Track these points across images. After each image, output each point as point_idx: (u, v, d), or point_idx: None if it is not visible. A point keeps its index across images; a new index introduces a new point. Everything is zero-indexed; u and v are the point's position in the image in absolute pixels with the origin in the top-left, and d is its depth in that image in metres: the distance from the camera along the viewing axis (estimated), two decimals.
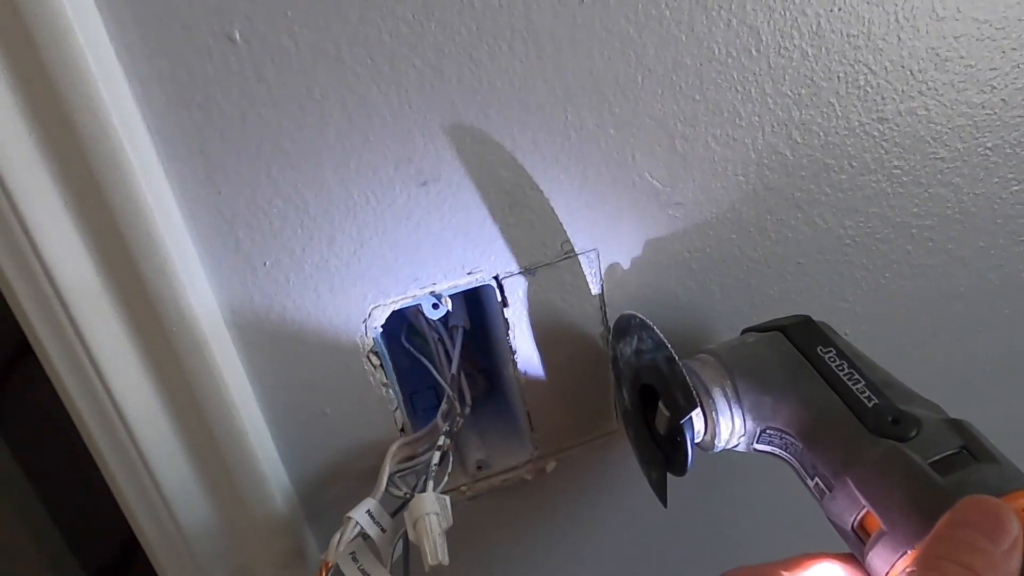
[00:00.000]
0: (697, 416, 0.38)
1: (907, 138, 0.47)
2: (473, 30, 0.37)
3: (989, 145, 0.50)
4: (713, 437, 0.38)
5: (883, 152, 0.47)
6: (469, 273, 0.43)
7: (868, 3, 0.43)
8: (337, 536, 0.37)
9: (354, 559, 0.39)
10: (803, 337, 0.39)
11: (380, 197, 0.39)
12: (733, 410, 0.38)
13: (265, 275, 0.39)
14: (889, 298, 0.53)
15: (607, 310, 0.46)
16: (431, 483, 0.40)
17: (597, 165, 0.42)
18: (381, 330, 0.43)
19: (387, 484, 0.42)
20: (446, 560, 0.36)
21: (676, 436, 0.38)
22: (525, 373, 0.46)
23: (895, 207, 0.49)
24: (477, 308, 0.50)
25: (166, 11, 0.32)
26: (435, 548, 0.36)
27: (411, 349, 0.49)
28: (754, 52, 0.42)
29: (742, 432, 0.38)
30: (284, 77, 0.35)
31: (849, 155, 0.47)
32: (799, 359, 0.37)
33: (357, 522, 0.38)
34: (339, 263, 0.40)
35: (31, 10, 0.28)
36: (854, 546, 0.32)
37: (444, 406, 0.46)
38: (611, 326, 0.44)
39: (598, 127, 0.41)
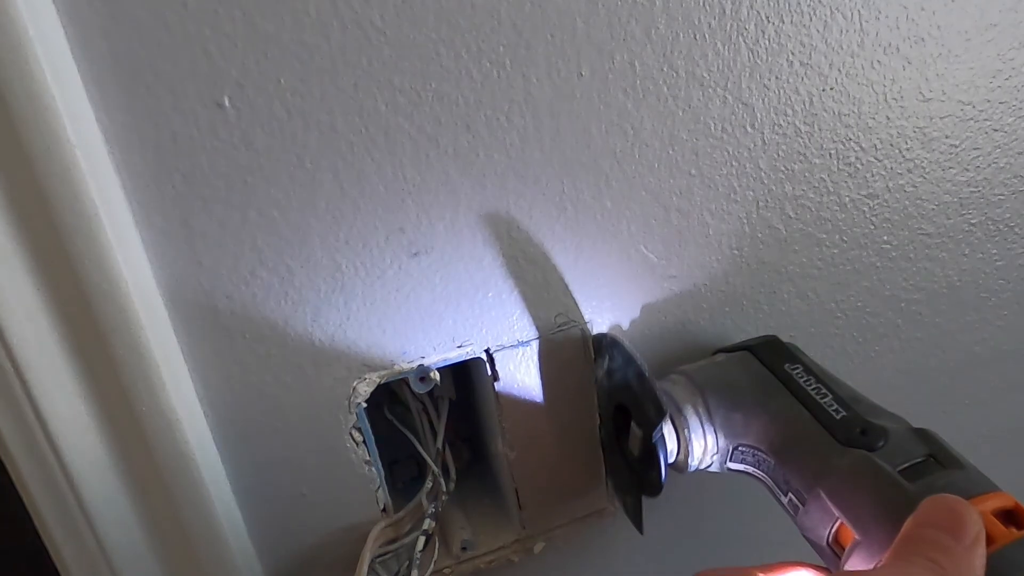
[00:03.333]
0: (669, 433, 0.38)
1: (896, 214, 0.48)
2: (471, 101, 0.36)
3: (973, 221, 0.50)
4: (686, 456, 0.38)
5: (873, 228, 0.48)
6: (459, 346, 0.41)
7: (858, 83, 0.43)
8: None
9: None
10: (771, 355, 0.40)
11: (370, 268, 0.38)
12: (705, 428, 0.38)
13: (245, 348, 0.37)
14: (879, 371, 0.52)
15: (600, 383, 0.44)
16: (415, 571, 0.38)
17: (593, 237, 0.41)
18: (365, 405, 0.40)
19: (368, 571, 0.39)
20: None
21: (649, 453, 0.38)
22: (514, 449, 0.44)
23: (885, 281, 0.49)
24: (464, 376, 0.48)
25: (153, 76, 0.31)
26: None
27: (394, 421, 0.47)
28: (749, 128, 0.42)
29: (715, 450, 0.38)
30: (274, 145, 0.34)
31: (840, 230, 0.47)
32: (767, 376, 0.38)
33: None
34: (324, 336, 0.38)
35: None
36: (830, 562, 0.32)
37: (428, 483, 0.44)
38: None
39: (595, 200, 0.40)
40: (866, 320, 0.50)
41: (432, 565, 0.40)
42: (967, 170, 0.48)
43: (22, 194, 0.29)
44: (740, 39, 0.40)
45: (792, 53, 0.41)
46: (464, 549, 0.46)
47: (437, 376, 0.41)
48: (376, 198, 0.36)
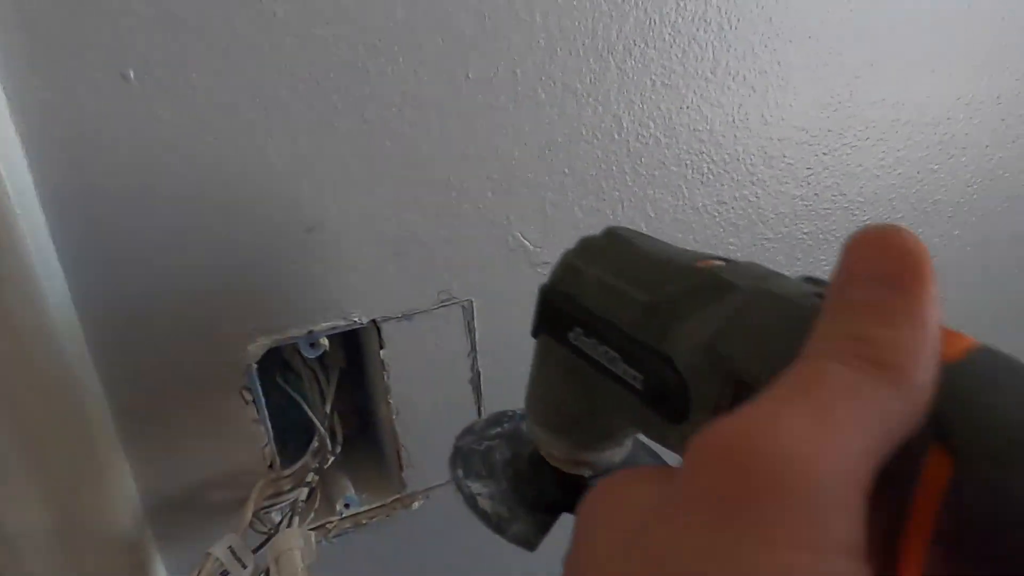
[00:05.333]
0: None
1: (741, 219, 0.55)
2: (366, 92, 0.40)
3: (805, 231, 0.59)
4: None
5: (721, 231, 0.55)
6: (348, 316, 0.45)
7: (711, 105, 0.50)
8: (195, 573, 0.37)
9: None
10: (555, 324, 0.29)
11: (269, 242, 0.41)
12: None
13: (144, 305, 0.39)
14: None
15: (477, 356, 0.49)
16: (296, 519, 0.41)
17: (475, 222, 0.46)
18: (256, 367, 0.43)
19: (251, 520, 0.42)
20: None
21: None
22: (398, 413, 0.48)
23: None
24: (355, 348, 0.52)
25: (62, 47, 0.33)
26: None
27: (285, 387, 0.50)
28: (616, 136, 0.48)
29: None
30: (180, 120, 0.37)
31: (693, 231, 0.54)
32: (571, 359, 0.28)
33: (217, 558, 0.38)
34: (219, 300, 0.41)
35: None
36: None
37: (315, 443, 0.47)
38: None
39: (478, 190, 0.45)
40: None
41: (312, 515, 0.43)
42: (801, 186, 0.57)
43: None
44: (610, 57, 0.46)
45: (655, 74, 0.48)
46: (347, 506, 0.50)
47: (326, 342, 0.45)
48: (273, 175, 0.40)
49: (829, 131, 0.56)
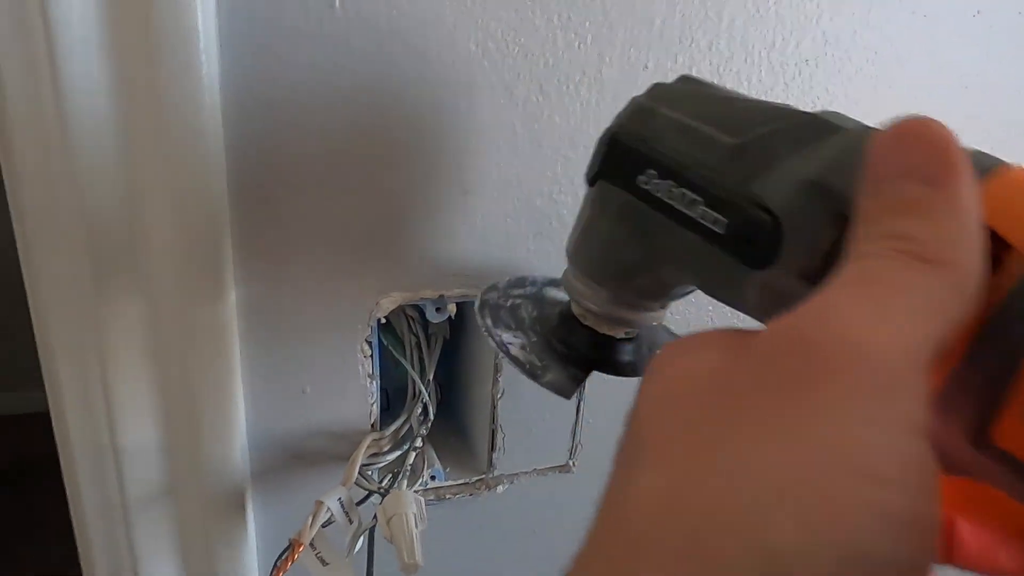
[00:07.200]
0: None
1: None
2: (550, 63, 0.39)
3: None
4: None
5: None
6: (481, 287, 0.44)
7: None
8: (309, 519, 0.36)
9: (312, 546, 0.38)
10: (623, 167, 0.27)
11: (426, 198, 0.40)
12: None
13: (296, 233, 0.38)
14: None
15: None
16: (406, 482, 0.40)
17: None
18: (384, 321, 0.43)
19: (356, 475, 0.41)
20: (421, 561, 0.36)
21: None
22: (503, 394, 0.47)
23: None
24: (458, 322, 0.51)
25: None
26: (412, 547, 0.36)
27: (391, 348, 0.49)
28: None
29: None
30: (371, 56, 0.36)
31: None
32: (629, 206, 0.27)
33: (329, 508, 0.37)
34: (363, 247, 0.40)
35: None
36: None
37: (418, 408, 0.46)
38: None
39: None
40: None
41: (420, 480, 0.42)
42: None
43: None
44: (781, 72, 0.45)
45: (818, 96, 0.47)
46: (433, 478, 0.49)
47: (454, 308, 0.44)
48: (442, 138, 0.39)
49: None
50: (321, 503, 0.37)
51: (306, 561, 0.36)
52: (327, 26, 0.35)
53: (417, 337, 0.49)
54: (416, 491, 0.48)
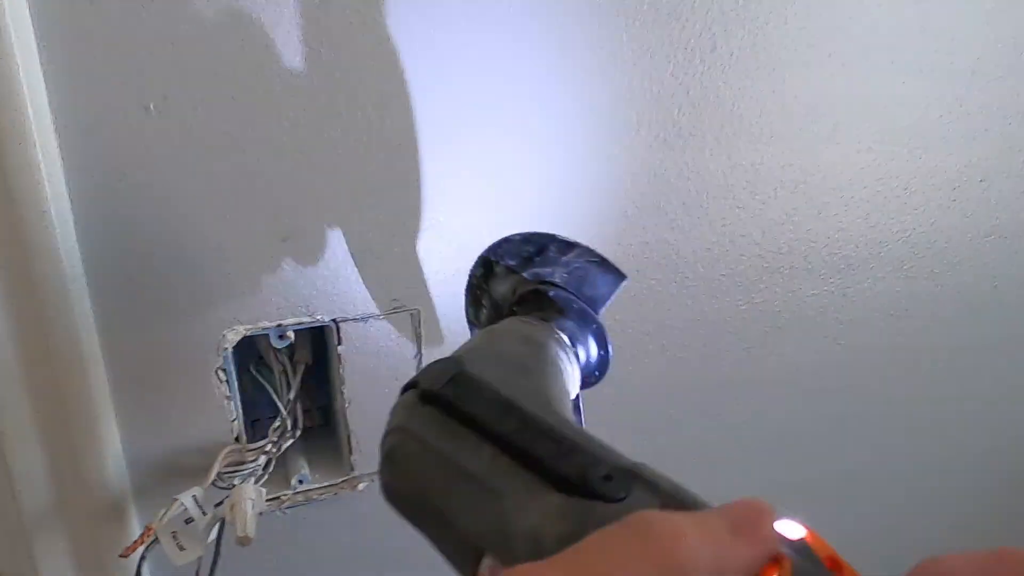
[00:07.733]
0: None
1: (662, 259, 0.64)
2: (338, 134, 0.50)
3: (723, 273, 0.68)
4: None
5: (643, 267, 0.64)
6: (313, 315, 0.53)
7: (640, 162, 0.60)
8: (163, 511, 0.45)
9: (174, 537, 0.46)
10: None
11: (248, 245, 0.50)
12: None
13: (146, 285, 0.48)
14: (643, 382, 0.68)
15: (422, 359, 0.58)
16: (253, 479, 0.49)
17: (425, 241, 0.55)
18: (231, 351, 0.52)
19: (214, 480, 0.50)
20: (252, 533, 0.45)
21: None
22: (350, 403, 0.56)
23: (656, 309, 0.66)
24: (322, 350, 0.61)
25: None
26: (245, 523, 0.44)
27: (257, 376, 0.58)
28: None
29: None
30: (186, 144, 0.46)
31: (623, 266, 0.63)
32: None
33: (182, 503, 0.46)
34: (205, 292, 0.50)
35: None
36: None
37: (277, 423, 0.55)
38: None
39: (429, 215, 0.54)
40: (639, 338, 0.66)
41: (267, 478, 0.51)
42: (716, 233, 0.66)
43: None
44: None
45: None
46: (300, 482, 0.57)
47: (292, 335, 0.53)
48: (258, 191, 0.49)
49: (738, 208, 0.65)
50: (176, 499, 0.46)
51: (166, 547, 0.45)
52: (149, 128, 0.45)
53: (283, 364, 0.59)
54: (284, 494, 0.57)
